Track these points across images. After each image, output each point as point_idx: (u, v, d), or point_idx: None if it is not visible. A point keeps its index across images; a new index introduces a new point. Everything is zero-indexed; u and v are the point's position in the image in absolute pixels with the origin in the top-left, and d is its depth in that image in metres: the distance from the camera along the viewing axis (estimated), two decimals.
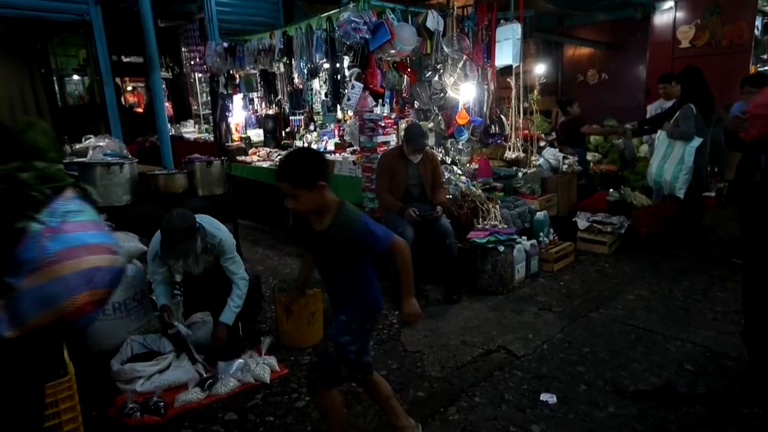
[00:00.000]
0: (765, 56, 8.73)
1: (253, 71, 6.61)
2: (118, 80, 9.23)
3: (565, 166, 5.86)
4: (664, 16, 7.97)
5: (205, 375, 2.97)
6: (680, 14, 7.81)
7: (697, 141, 4.72)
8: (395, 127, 5.08)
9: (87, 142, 4.25)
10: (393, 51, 4.66)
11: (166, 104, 8.30)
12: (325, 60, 5.17)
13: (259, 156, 6.77)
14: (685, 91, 4.88)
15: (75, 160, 4.11)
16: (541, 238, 4.78)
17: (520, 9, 5.37)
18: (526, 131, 6.07)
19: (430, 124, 5.57)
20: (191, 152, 4.88)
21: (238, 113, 7.43)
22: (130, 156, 3.81)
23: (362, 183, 4.85)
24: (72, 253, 1.28)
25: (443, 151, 5.62)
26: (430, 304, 4.05)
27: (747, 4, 7.28)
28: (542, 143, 6.41)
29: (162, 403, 2.70)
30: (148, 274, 3.25)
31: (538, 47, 8.38)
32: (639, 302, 3.91)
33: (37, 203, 1.32)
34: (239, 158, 6.80)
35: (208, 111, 8.54)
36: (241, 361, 3.04)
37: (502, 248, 4.09)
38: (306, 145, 6.73)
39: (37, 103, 7.56)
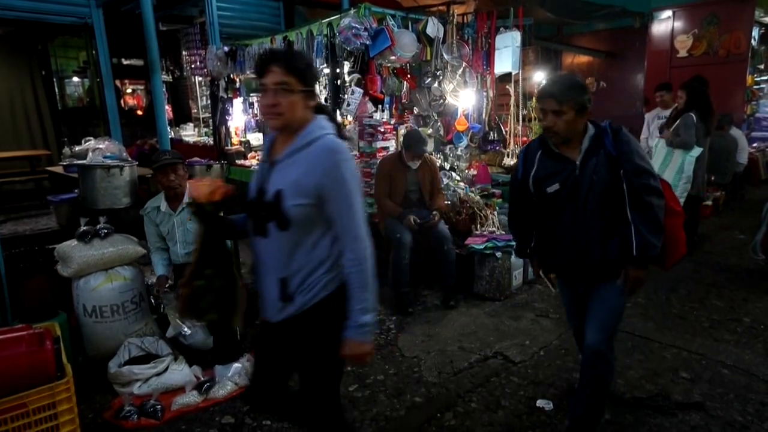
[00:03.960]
0: (762, 66, 8.80)
1: (253, 75, 6.63)
2: (118, 83, 9.24)
3: None
4: (662, 26, 8.04)
5: (202, 378, 2.97)
6: (678, 24, 7.87)
7: (697, 150, 4.71)
8: (394, 132, 5.10)
9: (86, 144, 4.25)
10: (393, 57, 4.68)
11: (166, 107, 8.31)
12: (325, 65, 5.19)
13: (258, 160, 6.77)
14: (689, 100, 4.86)
15: (75, 162, 4.11)
16: None
17: (520, 17, 5.41)
18: (525, 138, 6.10)
19: (429, 130, 5.59)
20: (191, 155, 4.90)
21: (237, 117, 7.44)
22: (129, 158, 3.81)
23: (361, 188, 4.86)
24: None
25: (442, 157, 5.64)
26: (428, 309, 4.06)
27: (744, 14, 7.35)
28: None
29: (159, 406, 2.71)
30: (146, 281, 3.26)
31: (537, 55, 8.42)
32: (635, 310, 3.93)
33: None
34: (238, 162, 6.80)
35: (207, 114, 8.56)
36: (238, 365, 3.04)
37: (499, 254, 4.11)
38: None
39: (37, 104, 7.59)
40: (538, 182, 2.24)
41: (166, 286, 3.24)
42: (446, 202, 4.51)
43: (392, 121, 5.34)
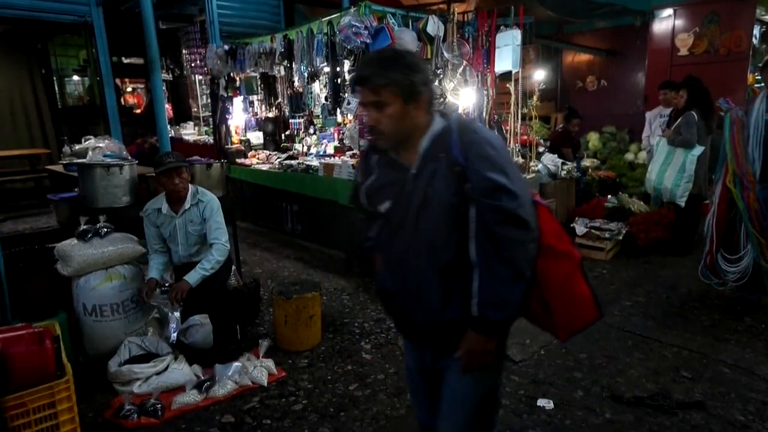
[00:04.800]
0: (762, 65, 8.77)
1: (253, 74, 6.63)
2: (118, 81, 9.24)
3: (564, 172, 5.88)
4: (663, 24, 8.01)
5: (202, 377, 2.97)
6: (679, 22, 7.84)
7: (698, 149, 4.70)
8: None
9: (86, 143, 4.25)
10: None
11: (166, 106, 8.32)
12: (325, 64, 5.19)
13: (258, 159, 6.78)
14: (689, 99, 4.84)
15: (75, 161, 4.10)
16: None
17: (520, 15, 5.39)
18: (525, 137, 6.09)
19: None
20: (191, 154, 4.89)
21: (238, 116, 7.44)
22: (129, 157, 3.80)
23: None
24: None
25: None
26: None
27: (745, 13, 7.32)
28: (541, 149, 6.44)
29: (159, 405, 2.70)
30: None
31: (537, 53, 8.41)
32: (636, 308, 3.92)
33: None
34: (239, 161, 6.80)
35: (208, 113, 8.56)
36: (238, 364, 3.04)
37: None
38: (305, 149, 6.74)
39: (37, 103, 7.57)
40: (371, 197, 1.59)
41: (162, 288, 3.23)
42: None
43: None
